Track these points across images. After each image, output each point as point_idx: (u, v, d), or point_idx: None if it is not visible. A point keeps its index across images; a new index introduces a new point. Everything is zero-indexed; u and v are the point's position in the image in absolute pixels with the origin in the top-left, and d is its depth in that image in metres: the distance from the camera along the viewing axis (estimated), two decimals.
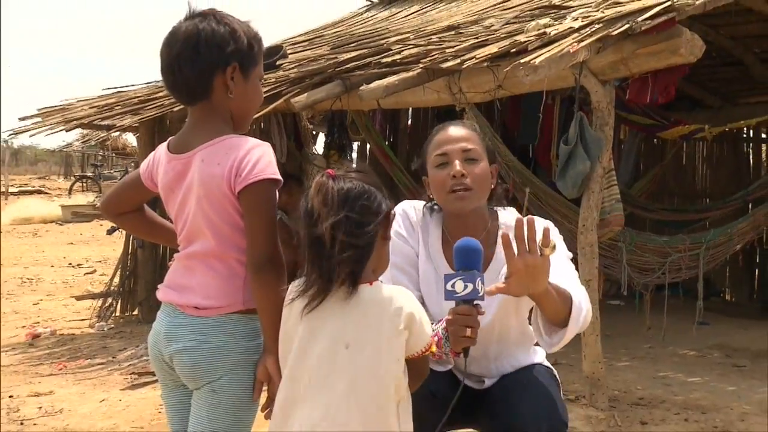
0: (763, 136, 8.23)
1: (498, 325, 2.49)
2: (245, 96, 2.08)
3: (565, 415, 2.55)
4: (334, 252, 1.85)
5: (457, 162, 2.45)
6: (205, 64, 2.00)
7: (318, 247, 1.88)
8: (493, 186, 2.54)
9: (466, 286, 2.05)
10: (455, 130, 2.54)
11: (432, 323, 2.23)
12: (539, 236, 2.05)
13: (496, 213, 2.61)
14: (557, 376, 2.70)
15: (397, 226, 2.59)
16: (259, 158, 1.96)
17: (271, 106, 5.14)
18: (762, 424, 4.05)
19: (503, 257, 2.51)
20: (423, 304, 2.51)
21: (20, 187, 24.49)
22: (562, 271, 2.34)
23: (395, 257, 2.55)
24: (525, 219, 2.01)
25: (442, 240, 2.58)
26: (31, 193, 22.75)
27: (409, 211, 2.63)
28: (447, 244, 2.54)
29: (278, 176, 1.98)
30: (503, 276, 2.38)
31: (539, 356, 2.64)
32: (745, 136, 8.44)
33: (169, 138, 2.15)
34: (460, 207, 2.48)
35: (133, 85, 6.94)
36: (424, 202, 2.64)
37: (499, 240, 2.55)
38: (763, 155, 8.55)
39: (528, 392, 2.51)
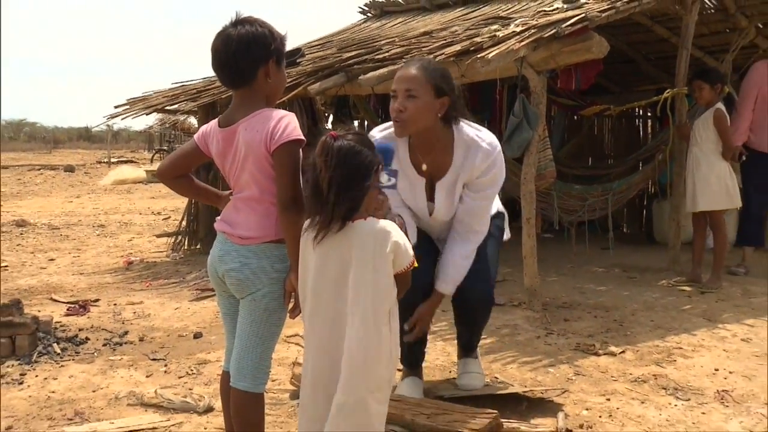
0: (649, 114, 8.18)
1: (440, 220, 2.59)
2: (278, 81, 2.01)
3: (493, 280, 2.65)
4: (330, 198, 1.78)
5: (399, 99, 2.34)
6: (256, 57, 1.92)
7: (319, 193, 1.80)
8: (441, 114, 2.37)
9: (389, 179, 2.12)
10: (405, 72, 2.37)
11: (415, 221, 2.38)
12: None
13: (460, 128, 2.43)
14: (502, 228, 2.76)
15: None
16: (288, 124, 1.88)
17: (293, 93, 5.03)
18: (646, 317, 4.08)
19: (461, 163, 2.44)
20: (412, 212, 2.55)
21: (118, 158, 24.62)
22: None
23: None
24: None
25: (409, 152, 2.49)
26: (125, 162, 22.60)
27: (376, 135, 2.48)
28: (414, 154, 2.49)
29: (302, 137, 1.90)
30: (461, 179, 2.44)
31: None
32: (637, 114, 8.38)
33: (219, 116, 2.06)
34: (397, 133, 2.38)
35: (192, 80, 6.77)
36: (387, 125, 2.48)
37: (456, 149, 2.42)
38: (649, 128, 8.49)
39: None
